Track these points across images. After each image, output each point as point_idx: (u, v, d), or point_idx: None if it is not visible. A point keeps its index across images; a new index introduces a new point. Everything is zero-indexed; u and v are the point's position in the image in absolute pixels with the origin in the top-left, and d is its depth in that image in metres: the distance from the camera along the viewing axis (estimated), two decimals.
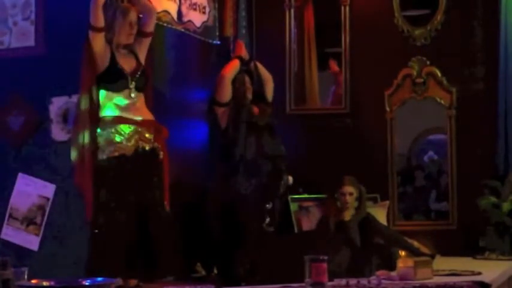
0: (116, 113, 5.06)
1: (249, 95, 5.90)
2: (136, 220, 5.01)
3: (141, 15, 5.25)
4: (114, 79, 5.06)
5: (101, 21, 4.96)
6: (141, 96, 5.18)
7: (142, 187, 5.06)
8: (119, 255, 4.90)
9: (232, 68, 5.88)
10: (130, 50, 5.20)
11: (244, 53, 5.99)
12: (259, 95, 5.98)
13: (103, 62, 5.05)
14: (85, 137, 5.02)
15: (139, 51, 5.24)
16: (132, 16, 5.12)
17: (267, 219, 5.69)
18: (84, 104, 5.06)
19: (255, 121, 5.78)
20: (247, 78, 5.91)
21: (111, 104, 5.07)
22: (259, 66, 6.01)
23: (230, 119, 5.75)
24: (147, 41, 5.29)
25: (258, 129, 5.77)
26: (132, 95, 5.09)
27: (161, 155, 5.19)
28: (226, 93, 5.77)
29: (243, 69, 5.93)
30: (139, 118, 5.12)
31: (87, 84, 5.08)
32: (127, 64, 5.13)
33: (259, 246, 5.54)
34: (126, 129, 5.05)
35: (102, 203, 4.95)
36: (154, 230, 5.06)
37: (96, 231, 4.93)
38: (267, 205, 5.69)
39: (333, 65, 7.56)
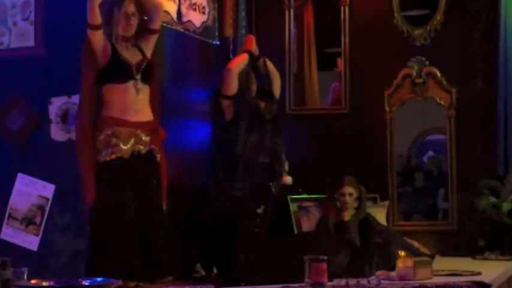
0: (115, 114, 5.03)
1: (254, 87, 5.85)
2: (134, 221, 4.99)
3: (145, 17, 5.25)
4: (118, 70, 5.03)
5: (97, 19, 4.95)
6: (147, 90, 5.14)
7: (140, 189, 5.04)
8: (118, 257, 4.89)
9: (240, 61, 5.80)
10: (135, 45, 5.19)
11: (254, 47, 5.93)
12: (266, 91, 5.93)
13: (104, 57, 5.03)
14: (87, 137, 5.02)
15: (145, 48, 5.20)
16: (128, 7, 5.09)
17: (257, 221, 5.67)
18: (86, 104, 5.05)
19: (261, 114, 5.75)
20: (252, 73, 5.87)
21: (114, 101, 5.04)
22: (268, 63, 5.94)
23: (235, 113, 5.70)
24: (153, 38, 5.26)
25: (262, 122, 5.74)
26: (138, 86, 5.07)
27: (158, 157, 5.17)
28: (232, 86, 5.70)
29: (250, 64, 5.88)
30: (137, 119, 5.08)
31: (88, 84, 5.06)
32: (131, 56, 5.10)
33: (258, 246, 5.54)
34: (123, 132, 5.03)
35: (100, 205, 4.94)
36: (152, 231, 5.05)
37: (93, 232, 4.93)
38: (258, 210, 5.66)
39: (341, 64, 7.52)
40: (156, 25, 5.26)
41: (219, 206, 5.68)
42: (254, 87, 5.83)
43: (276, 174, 5.80)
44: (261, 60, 5.90)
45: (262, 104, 5.79)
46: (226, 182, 5.64)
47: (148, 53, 5.21)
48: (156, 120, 5.21)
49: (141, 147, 5.08)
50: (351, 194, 6.24)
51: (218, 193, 5.71)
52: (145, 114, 5.15)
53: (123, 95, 5.03)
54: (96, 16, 4.93)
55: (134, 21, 5.13)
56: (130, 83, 5.04)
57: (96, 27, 4.96)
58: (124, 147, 5.00)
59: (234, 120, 5.66)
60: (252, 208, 5.62)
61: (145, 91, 5.11)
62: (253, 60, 5.83)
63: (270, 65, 5.94)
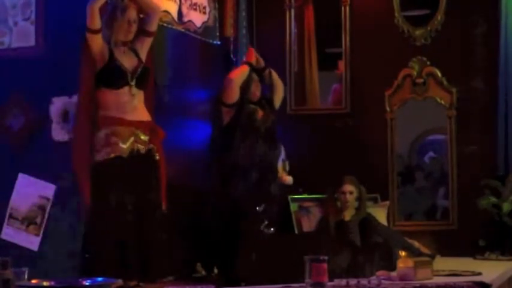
0: (114, 113, 5.04)
1: (257, 93, 5.95)
2: (133, 221, 5.00)
3: (141, 16, 5.25)
4: (113, 76, 5.05)
5: (97, 23, 4.97)
6: (141, 95, 5.16)
7: (139, 188, 5.05)
8: (116, 256, 4.89)
9: (241, 73, 5.95)
10: (131, 48, 5.20)
11: (254, 59, 6.04)
12: (267, 100, 6.03)
13: (101, 60, 5.05)
14: (84, 137, 5.03)
15: (140, 50, 5.22)
16: (131, 14, 5.11)
17: (265, 222, 5.69)
18: (84, 105, 5.06)
19: (257, 126, 5.82)
20: (256, 78, 5.95)
21: (109, 103, 5.06)
22: (274, 73, 6.11)
23: (232, 118, 5.78)
24: (149, 40, 5.28)
25: (256, 134, 5.81)
26: (133, 92, 5.08)
27: (157, 156, 5.18)
28: (233, 95, 5.84)
29: (253, 75, 5.98)
30: (136, 119, 5.10)
31: (86, 85, 5.07)
32: (127, 61, 5.12)
33: (259, 246, 5.54)
34: (122, 131, 5.04)
35: (99, 204, 4.94)
36: (151, 231, 5.05)
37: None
38: (258, 208, 5.70)
39: (342, 66, 7.52)
40: (152, 27, 5.27)
41: (218, 206, 5.71)
42: (258, 93, 5.94)
43: (269, 182, 5.86)
44: (267, 71, 6.01)
45: (260, 113, 5.87)
46: (223, 183, 5.68)
47: (143, 56, 5.22)
48: (153, 121, 5.23)
49: (140, 146, 5.09)
50: (351, 193, 6.25)
51: (216, 193, 5.74)
52: (143, 114, 5.17)
53: (118, 99, 5.05)
54: (95, 20, 4.95)
55: (134, 28, 5.15)
56: (125, 88, 5.06)
57: (95, 31, 4.98)
58: (123, 146, 5.02)
59: (230, 126, 5.75)
60: (250, 208, 5.65)
61: (139, 96, 5.14)
62: (257, 71, 5.96)
63: (275, 75, 6.14)
